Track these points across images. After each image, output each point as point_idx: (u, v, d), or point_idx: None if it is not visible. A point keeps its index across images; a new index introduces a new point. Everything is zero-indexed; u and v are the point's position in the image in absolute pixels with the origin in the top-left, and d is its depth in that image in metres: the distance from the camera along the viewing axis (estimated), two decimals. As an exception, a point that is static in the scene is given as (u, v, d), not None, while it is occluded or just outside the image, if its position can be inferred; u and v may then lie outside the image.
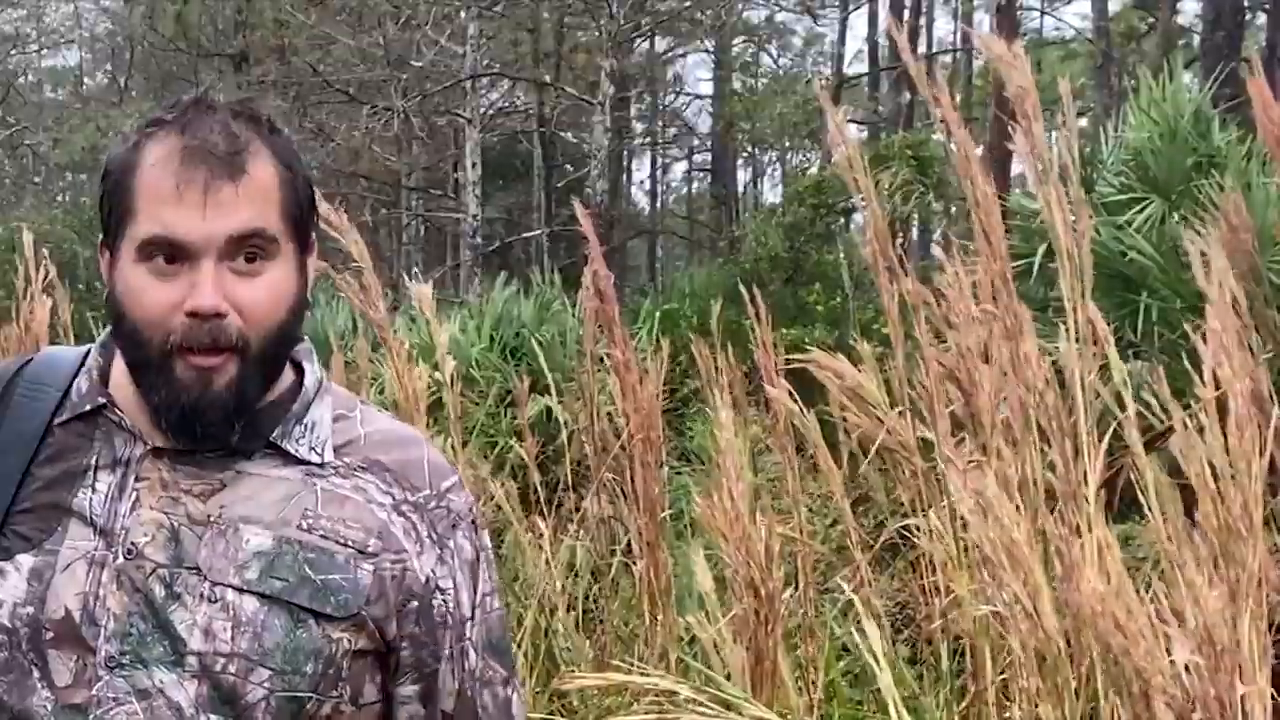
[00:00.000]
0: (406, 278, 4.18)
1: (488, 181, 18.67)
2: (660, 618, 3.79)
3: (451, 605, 1.32)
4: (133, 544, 1.24)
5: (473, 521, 1.36)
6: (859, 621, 2.92)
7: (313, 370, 1.35)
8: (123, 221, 1.24)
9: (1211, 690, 1.67)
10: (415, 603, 1.30)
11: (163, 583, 1.23)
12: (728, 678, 2.90)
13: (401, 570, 1.29)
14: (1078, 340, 2.22)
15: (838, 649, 3.54)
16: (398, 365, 3.88)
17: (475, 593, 1.35)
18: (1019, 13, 16.90)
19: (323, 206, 3.74)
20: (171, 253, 1.21)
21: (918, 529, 2.63)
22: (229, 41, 17.84)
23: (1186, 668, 1.68)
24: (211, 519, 1.25)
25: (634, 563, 3.91)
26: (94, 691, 1.21)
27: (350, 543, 1.27)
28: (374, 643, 1.28)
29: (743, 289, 4.00)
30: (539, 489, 4.40)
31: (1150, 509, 1.95)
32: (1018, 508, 2.17)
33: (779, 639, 2.54)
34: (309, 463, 1.29)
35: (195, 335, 1.21)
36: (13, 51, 24.60)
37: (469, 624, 1.34)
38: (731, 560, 2.40)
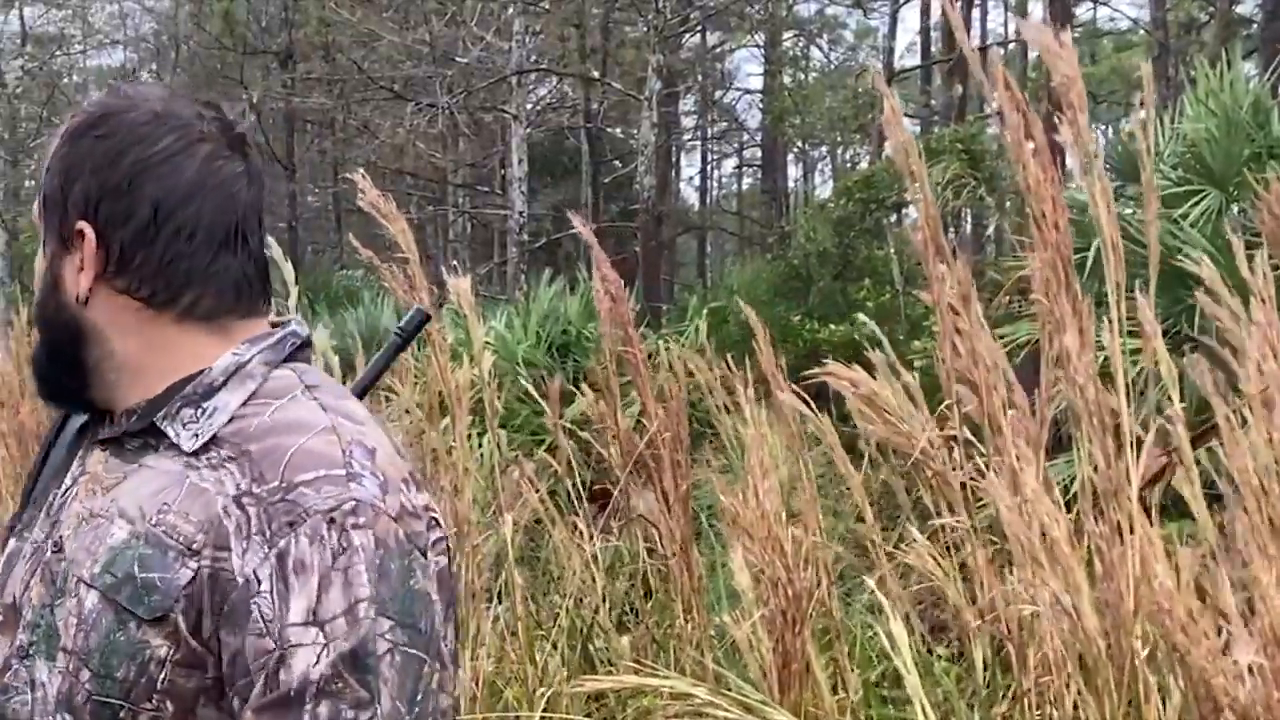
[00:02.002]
0: (446, 273, 4.12)
1: (535, 178, 18.70)
2: (694, 617, 3.75)
3: (269, 612, 1.13)
4: (60, 537, 1.26)
5: (331, 519, 1.14)
6: (889, 623, 2.85)
7: (238, 354, 1.26)
8: None
9: (1276, 693, 1.59)
10: (227, 606, 1.15)
11: (62, 577, 1.23)
12: (764, 677, 2.86)
13: (219, 569, 1.16)
14: (1121, 334, 2.13)
15: (877, 650, 3.48)
16: (440, 361, 3.85)
17: (317, 601, 1.13)
18: (1073, 3, 16.64)
19: (371, 194, 3.73)
20: None
21: (941, 530, 2.56)
22: (274, 39, 17.96)
23: (1250, 669, 1.60)
24: (100, 511, 1.24)
25: (664, 562, 3.86)
26: (5, 679, 1.24)
27: (181, 538, 1.17)
28: (196, 655, 1.16)
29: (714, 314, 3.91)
30: (577, 488, 4.35)
31: (1196, 507, 1.87)
32: (1065, 505, 2.09)
33: (807, 639, 2.48)
34: (183, 449, 1.22)
35: None
36: (58, 52, 24.97)
37: (294, 630, 1.13)
38: (758, 559, 2.34)
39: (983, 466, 2.38)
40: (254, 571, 1.14)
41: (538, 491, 4.23)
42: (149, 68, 27.90)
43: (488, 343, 9.14)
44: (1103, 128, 25.88)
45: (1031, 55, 23.12)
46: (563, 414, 5.18)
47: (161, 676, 1.16)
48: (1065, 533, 1.81)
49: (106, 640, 1.17)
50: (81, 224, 1.24)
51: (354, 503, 1.16)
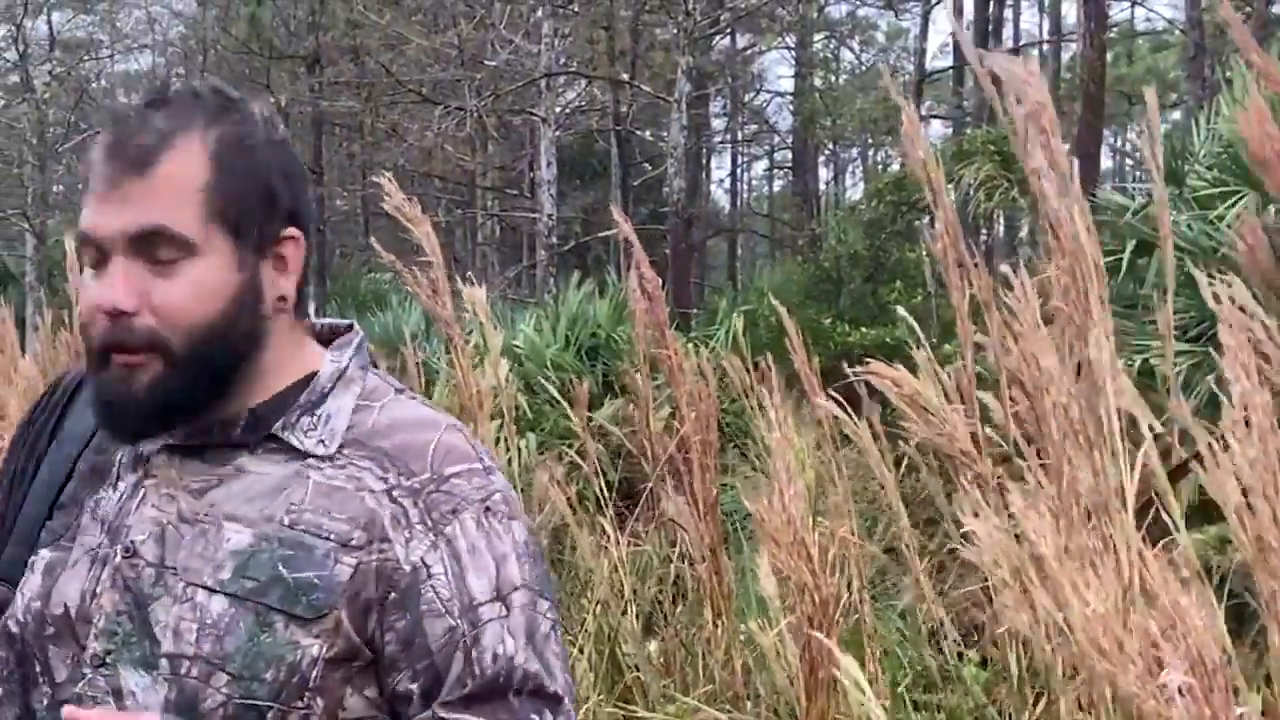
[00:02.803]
0: (462, 279, 4.10)
1: (565, 181, 18.68)
2: (723, 622, 3.72)
3: (445, 592, 1.20)
4: (131, 542, 1.24)
5: (487, 509, 1.24)
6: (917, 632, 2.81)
7: (336, 360, 1.30)
8: None
9: (1207, 711, 1.57)
10: (395, 594, 1.20)
11: (149, 583, 1.22)
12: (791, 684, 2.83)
13: (383, 561, 1.20)
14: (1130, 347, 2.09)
15: (909, 655, 3.44)
16: (462, 364, 3.83)
17: (495, 579, 1.22)
18: (1108, 3, 16.50)
19: (397, 198, 3.72)
20: (95, 252, 1.21)
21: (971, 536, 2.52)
22: (301, 43, 17.96)
23: (1181, 690, 1.58)
24: (199, 516, 1.23)
25: (692, 566, 3.83)
26: (78, 689, 1.22)
27: (332, 535, 1.21)
28: (352, 648, 1.20)
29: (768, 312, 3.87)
30: (602, 491, 4.33)
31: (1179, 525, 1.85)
32: (1068, 520, 2.05)
33: (834, 646, 2.45)
34: (313, 455, 1.24)
35: (109, 335, 1.20)
36: (86, 57, 25.13)
37: (485, 608, 1.21)
38: (784, 565, 2.31)
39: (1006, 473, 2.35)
40: (422, 558, 1.21)
41: (565, 495, 4.21)
42: (177, 72, 28.07)
43: (517, 346, 9.13)
44: (1138, 130, 25.65)
45: (1065, 56, 22.96)
46: (591, 417, 5.15)
47: (315, 674, 1.19)
48: (1054, 548, 1.76)
49: (249, 643, 1.18)
50: (291, 230, 1.27)
51: (499, 493, 1.26)
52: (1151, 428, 1.98)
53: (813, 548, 2.30)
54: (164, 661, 1.19)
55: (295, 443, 1.24)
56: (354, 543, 1.20)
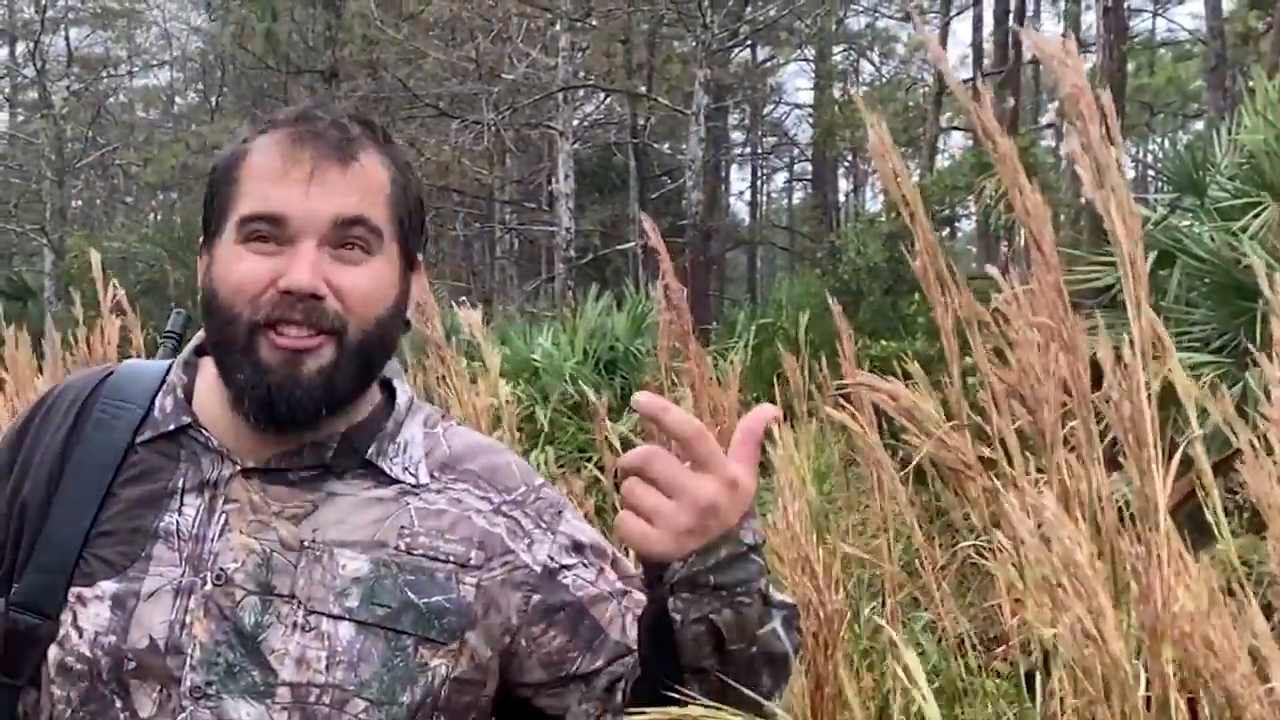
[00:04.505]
0: (480, 293, 4.08)
1: (584, 194, 18.70)
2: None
3: (590, 578, 1.28)
4: (222, 569, 1.21)
5: (566, 506, 1.33)
6: (940, 642, 2.76)
7: (404, 389, 1.33)
8: (225, 210, 1.22)
9: None
10: (538, 595, 1.26)
11: (254, 611, 1.20)
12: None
13: (510, 573, 1.25)
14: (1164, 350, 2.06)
15: (927, 670, 3.40)
16: (456, 385, 3.81)
17: (608, 570, 1.31)
18: (1128, 13, 16.43)
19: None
20: (271, 230, 1.19)
21: (987, 547, 2.49)
22: (319, 57, 18.03)
23: None
24: (305, 543, 1.22)
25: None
26: None
27: (451, 557, 1.24)
28: (476, 667, 1.24)
29: (833, 301, 3.85)
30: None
31: (1220, 529, 1.81)
32: (1096, 525, 2.00)
33: (839, 663, 2.41)
34: (404, 482, 1.26)
35: (285, 311, 1.18)
36: (104, 73, 25.29)
37: (625, 586, 1.29)
38: (787, 582, 2.29)
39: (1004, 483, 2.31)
40: (549, 555, 1.27)
41: (584, 509, 4.19)
42: (195, 87, 28.24)
43: (535, 360, 9.11)
44: (1160, 139, 25.56)
45: (1085, 66, 22.87)
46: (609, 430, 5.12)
47: (443, 694, 1.23)
48: (1088, 556, 1.73)
49: (383, 669, 1.20)
50: (419, 256, 1.31)
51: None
52: (1173, 439, 1.95)
53: (817, 564, 2.28)
54: (284, 690, 1.18)
55: (386, 468, 1.26)
56: (471, 563, 1.24)
